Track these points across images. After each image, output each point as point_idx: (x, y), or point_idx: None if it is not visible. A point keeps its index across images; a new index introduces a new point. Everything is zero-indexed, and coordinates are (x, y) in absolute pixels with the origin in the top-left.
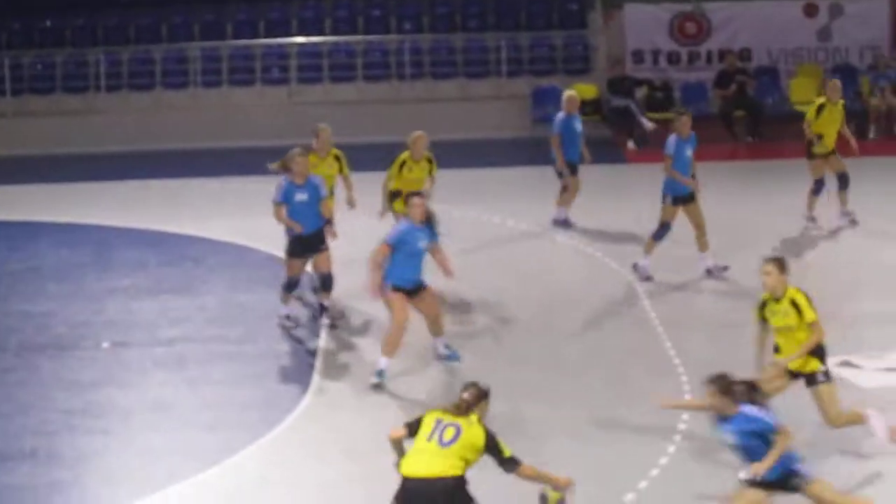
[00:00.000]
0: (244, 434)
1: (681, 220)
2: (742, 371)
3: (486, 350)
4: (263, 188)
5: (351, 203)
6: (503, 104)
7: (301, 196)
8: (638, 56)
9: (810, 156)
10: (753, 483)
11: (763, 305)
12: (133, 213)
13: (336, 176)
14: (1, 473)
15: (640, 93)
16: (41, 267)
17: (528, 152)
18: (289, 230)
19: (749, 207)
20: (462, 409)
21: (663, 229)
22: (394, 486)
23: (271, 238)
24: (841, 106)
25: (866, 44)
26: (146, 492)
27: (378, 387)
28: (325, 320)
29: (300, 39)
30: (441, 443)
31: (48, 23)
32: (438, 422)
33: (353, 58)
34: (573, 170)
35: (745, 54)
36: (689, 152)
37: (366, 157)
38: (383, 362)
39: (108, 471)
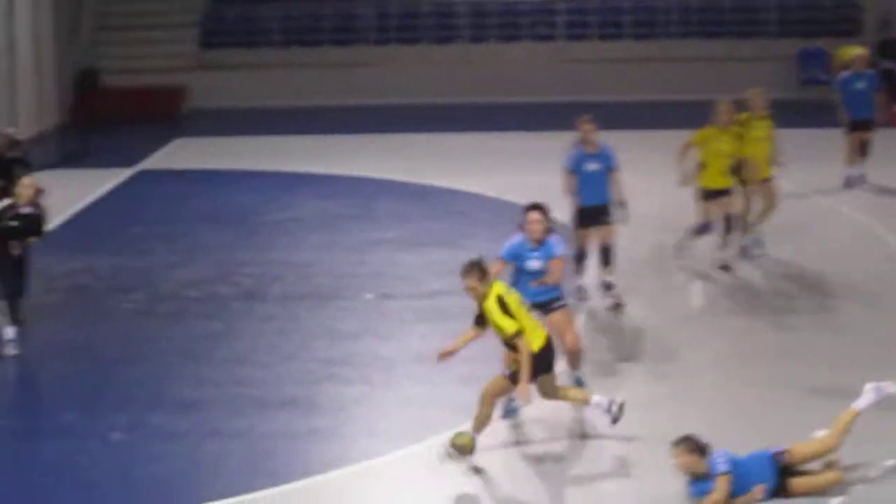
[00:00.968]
0: None
1: None
2: None
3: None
4: (527, 144)
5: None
6: (770, 65)
7: (592, 165)
8: None
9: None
10: None
11: None
12: (397, 166)
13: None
14: (261, 421)
15: None
16: (304, 217)
17: (795, 114)
18: (576, 199)
19: None
20: None
21: None
22: (656, 450)
23: (534, 192)
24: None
25: None
26: (404, 443)
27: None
28: (607, 299)
29: None
30: None
31: None
32: None
33: (621, 15)
34: (855, 126)
35: None
36: None
37: (631, 115)
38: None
39: (366, 421)
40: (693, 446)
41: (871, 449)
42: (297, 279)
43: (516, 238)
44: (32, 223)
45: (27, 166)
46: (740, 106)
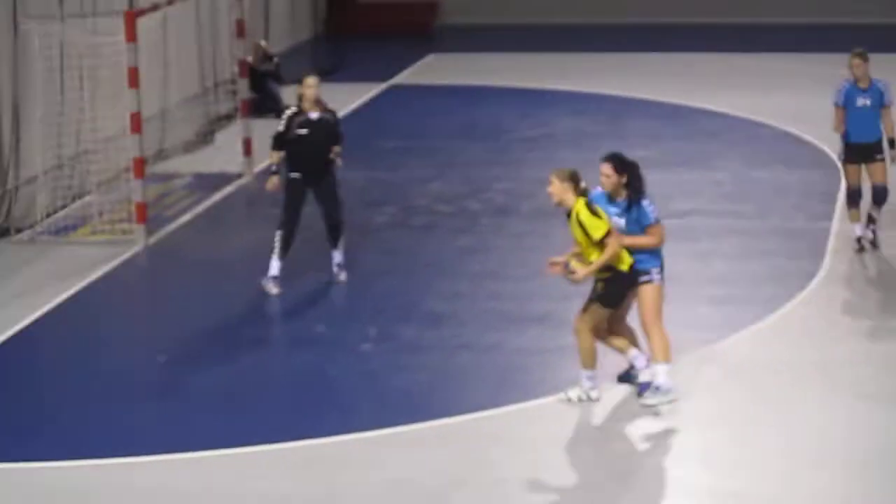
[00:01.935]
0: (752, 310)
1: None
2: None
3: None
4: (778, 66)
5: None
6: None
7: (863, 101)
8: None
9: None
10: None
11: None
12: (648, 85)
13: None
14: (512, 335)
15: None
16: (555, 134)
17: None
18: (845, 135)
19: None
20: None
21: None
22: (891, 370)
23: (787, 115)
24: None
25: None
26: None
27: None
28: (866, 233)
29: None
30: None
31: None
32: None
33: None
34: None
35: None
36: None
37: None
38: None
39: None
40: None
41: None
42: (548, 196)
43: (596, 190)
44: (326, 130)
45: (280, 80)
46: None
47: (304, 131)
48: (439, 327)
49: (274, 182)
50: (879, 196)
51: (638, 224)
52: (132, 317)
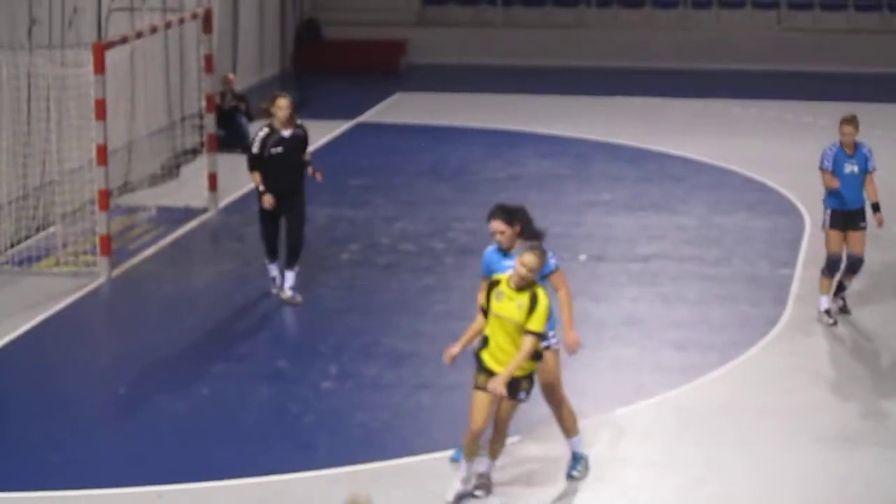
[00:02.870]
0: (714, 355)
1: None
2: None
3: None
4: (746, 112)
5: None
6: None
7: (850, 167)
8: None
9: None
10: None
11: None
12: (615, 129)
13: None
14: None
15: None
16: (521, 176)
17: None
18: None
19: None
20: None
21: None
22: (859, 414)
23: (753, 161)
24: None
25: None
26: (613, 405)
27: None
28: (833, 305)
29: None
30: None
31: None
32: None
33: None
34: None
35: None
36: None
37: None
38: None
39: (575, 382)
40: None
41: None
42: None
43: (490, 247)
44: (299, 144)
45: (250, 117)
46: None
47: (278, 150)
48: (400, 366)
49: (269, 200)
50: (857, 266)
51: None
52: (94, 348)
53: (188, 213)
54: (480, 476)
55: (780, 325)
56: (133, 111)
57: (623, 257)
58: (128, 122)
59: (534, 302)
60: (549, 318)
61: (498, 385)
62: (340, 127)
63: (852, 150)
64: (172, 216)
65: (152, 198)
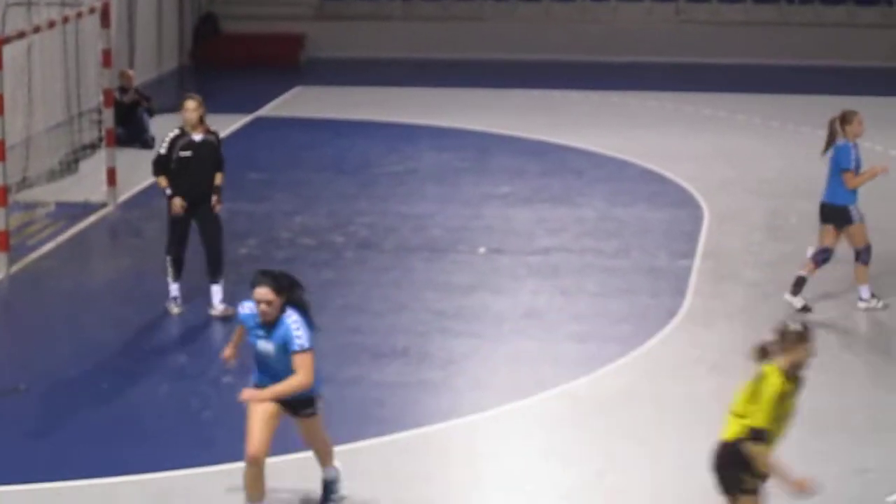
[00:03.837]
0: (614, 347)
1: None
2: None
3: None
4: (644, 104)
5: None
6: (891, 32)
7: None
8: None
9: None
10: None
11: None
12: (514, 122)
13: None
14: (373, 370)
15: None
16: (420, 169)
17: None
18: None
19: None
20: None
21: None
22: None
23: (651, 153)
24: None
25: None
26: (513, 397)
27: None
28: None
29: None
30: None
31: None
32: None
33: None
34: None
35: None
36: None
37: (749, 78)
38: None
39: (476, 374)
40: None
41: None
42: (412, 231)
43: (243, 308)
44: (210, 152)
45: (151, 112)
46: None
47: (187, 153)
48: None
49: (179, 204)
50: (864, 257)
51: (285, 350)
52: None
53: (87, 209)
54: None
55: (678, 316)
56: (31, 106)
57: (522, 250)
58: (25, 118)
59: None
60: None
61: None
62: (239, 121)
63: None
64: (71, 212)
65: (51, 193)
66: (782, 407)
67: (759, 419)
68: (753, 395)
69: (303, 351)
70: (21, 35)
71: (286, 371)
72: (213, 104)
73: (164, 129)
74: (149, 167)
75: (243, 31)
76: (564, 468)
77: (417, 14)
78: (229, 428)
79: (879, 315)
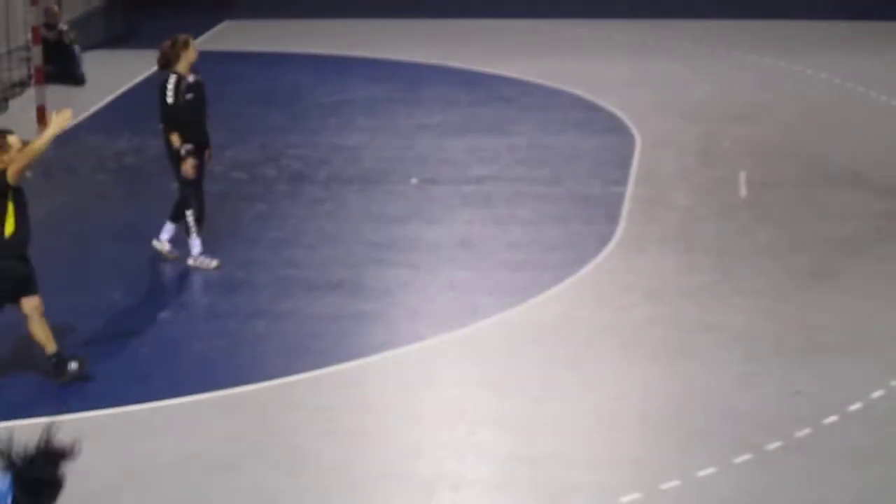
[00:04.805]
0: (548, 274)
1: None
2: None
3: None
4: (575, 31)
5: None
6: None
7: None
8: None
9: None
10: None
11: None
12: (445, 52)
13: None
14: (308, 302)
15: None
16: (352, 100)
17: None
18: None
19: None
20: None
21: None
22: (692, 328)
23: (582, 81)
24: None
25: None
26: (449, 327)
27: None
28: None
29: None
30: None
31: None
32: None
33: None
34: None
35: None
36: None
37: (679, 4)
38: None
39: (411, 305)
40: None
41: None
42: (345, 163)
43: None
44: (204, 92)
45: (78, 48)
46: None
47: (190, 96)
48: (234, 294)
49: (192, 165)
50: None
51: None
52: None
53: None
54: None
55: (612, 243)
56: None
57: (455, 179)
58: None
59: None
60: None
61: None
62: None
63: None
64: None
65: None
66: None
67: None
68: None
69: None
70: None
71: None
72: (141, 40)
73: (96, 66)
74: (81, 103)
75: None
76: (501, 397)
77: None
78: (165, 365)
79: (811, 243)
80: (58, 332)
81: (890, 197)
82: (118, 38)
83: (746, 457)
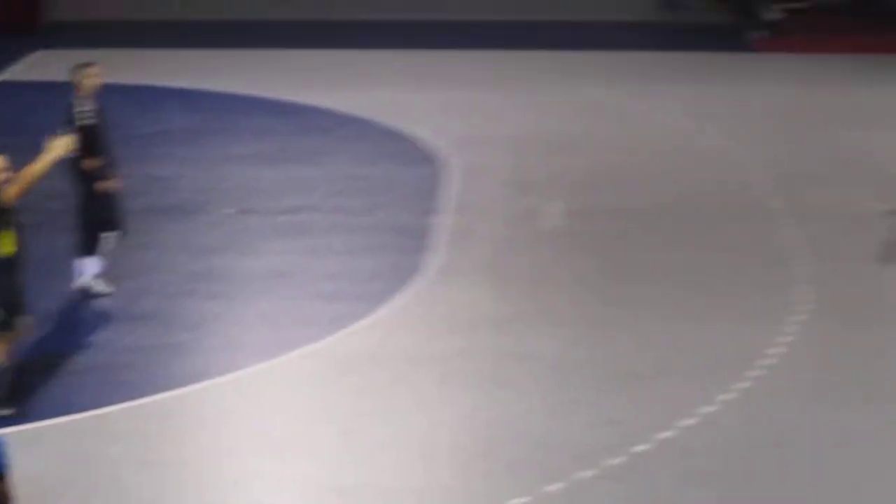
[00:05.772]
0: (362, 305)
1: None
2: None
3: (609, 233)
4: (392, 62)
5: None
6: None
7: None
8: None
9: None
10: None
11: None
12: (261, 82)
13: None
14: (122, 334)
15: None
16: (169, 131)
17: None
18: None
19: None
20: None
21: None
22: (500, 362)
23: (396, 112)
24: None
25: None
26: (263, 357)
27: None
28: None
29: None
30: None
31: None
32: None
33: None
34: None
35: None
36: None
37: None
38: None
39: (227, 335)
40: None
41: None
42: (161, 193)
43: None
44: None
45: None
46: None
47: (96, 122)
48: (47, 326)
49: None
50: None
51: None
52: None
53: None
54: None
55: (426, 273)
56: None
57: (271, 210)
58: None
59: None
60: None
61: None
62: None
63: None
64: None
65: None
66: None
67: None
68: None
69: None
70: None
71: None
72: None
73: None
74: None
75: None
76: (313, 427)
77: None
78: None
79: (625, 272)
80: None
81: (712, 226)
82: None
83: (558, 485)
